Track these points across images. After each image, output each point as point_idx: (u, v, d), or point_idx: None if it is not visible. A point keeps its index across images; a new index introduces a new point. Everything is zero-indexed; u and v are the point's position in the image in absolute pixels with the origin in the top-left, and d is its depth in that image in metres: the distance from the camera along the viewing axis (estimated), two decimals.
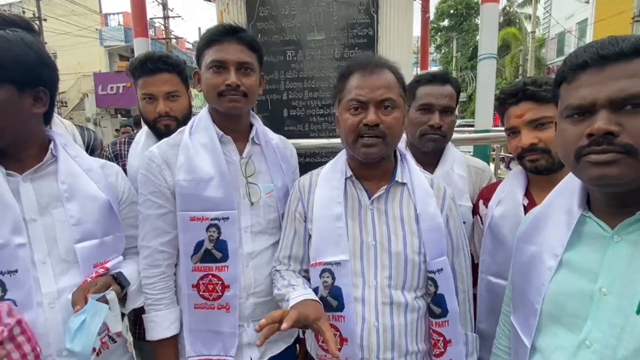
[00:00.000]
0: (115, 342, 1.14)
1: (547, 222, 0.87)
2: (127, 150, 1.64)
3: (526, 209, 1.21)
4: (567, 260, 0.80)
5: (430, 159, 1.49)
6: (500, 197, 1.29)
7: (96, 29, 19.85)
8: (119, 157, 1.65)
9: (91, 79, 17.19)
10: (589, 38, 19.93)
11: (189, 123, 1.26)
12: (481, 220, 1.38)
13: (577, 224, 0.79)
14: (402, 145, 1.54)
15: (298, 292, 1.04)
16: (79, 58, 18.99)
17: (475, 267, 1.37)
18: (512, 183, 1.29)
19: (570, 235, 0.80)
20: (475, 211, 1.43)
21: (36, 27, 1.03)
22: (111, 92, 16.58)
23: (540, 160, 1.18)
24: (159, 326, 1.20)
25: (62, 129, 1.46)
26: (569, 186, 0.85)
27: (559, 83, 0.77)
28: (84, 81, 17.67)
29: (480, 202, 1.40)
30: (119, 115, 17.90)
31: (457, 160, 1.48)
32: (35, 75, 0.99)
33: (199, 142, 1.20)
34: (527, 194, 1.26)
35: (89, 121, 17.42)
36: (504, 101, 1.24)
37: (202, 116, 1.25)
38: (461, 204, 1.40)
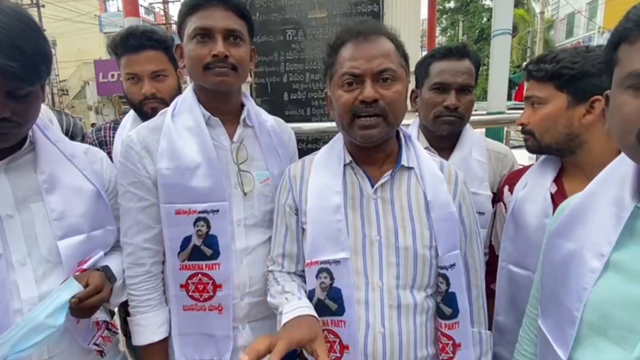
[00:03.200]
0: (117, 333, 1.07)
1: (589, 215, 0.73)
2: (113, 137, 1.52)
3: (554, 198, 1.08)
4: (615, 261, 0.67)
5: (445, 143, 1.35)
6: (527, 181, 1.17)
7: (95, 15, 19.61)
8: (103, 144, 1.53)
9: (92, 67, 17.02)
10: (599, 19, 19.43)
11: (172, 104, 1.13)
12: (505, 208, 1.25)
13: (629, 217, 0.65)
14: (414, 128, 1.42)
15: (291, 305, 0.92)
16: (78, 45, 18.82)
17: (496, 260, 1.25)
18: (542, 167, 1.17)
19: (621, 231, 0.66)
20: (498, 198, 1.30)
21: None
22: (112, 79, 16.41)
23: (527, 141, 1.16)
24: (146, 330, 1.09)
25: None
26: (618, 172, 0.71)
27: (616, 45, 0.62)
28: (85, 68, 17.52)
29: (506, 188, 1.27)
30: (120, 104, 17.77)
31: (476, 144, 1.34)
32: (50, 68, 0.91)
33: (183, 125, 1.07)
34: (558, 181, 1.12)
35: (90, 109, 17.34)
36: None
37: (186, 96, 1.12)
38: (479, 193, 1.28)
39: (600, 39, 18.97)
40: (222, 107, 1.12)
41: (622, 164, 0.71)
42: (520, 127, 1.17)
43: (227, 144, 1.12)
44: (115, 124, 1.55)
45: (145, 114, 1.41)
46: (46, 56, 0.87)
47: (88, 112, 16.93)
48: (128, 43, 1.39)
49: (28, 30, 0.82)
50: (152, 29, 1.44)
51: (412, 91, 1.40)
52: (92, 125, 10.54)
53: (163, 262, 1.14)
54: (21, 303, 0.90)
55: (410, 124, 1.45)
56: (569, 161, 1.11)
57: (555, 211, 0.86)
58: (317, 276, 0.97)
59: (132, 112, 1.51)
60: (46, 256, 0.94)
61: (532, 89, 1.12)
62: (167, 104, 1.37)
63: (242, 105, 1.18)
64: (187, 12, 1.05)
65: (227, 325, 1.10)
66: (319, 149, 1.11)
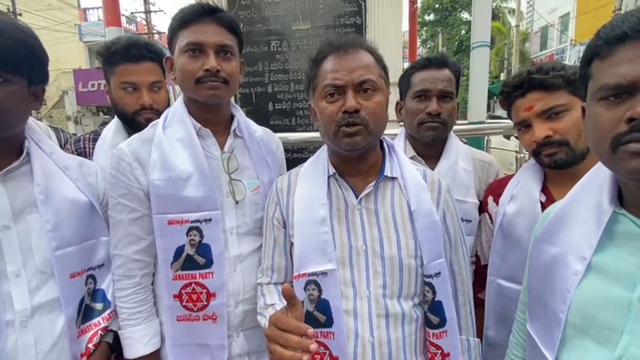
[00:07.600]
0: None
1: (571, 220, 0.76)
2: (93, 148, 1.46)
3: (544, 206, 1.10)
4: (596, 264, 0.70)
5: (431, 151, 1.38)
6: (514, 193, 1.18)
7: (75, 24, 19.30)
8: (83, 156, 1.46)
9: (71, 76, 16.62)
10: (571, 32, 20.23)
11: (162, 115, 1.13)
12: (490, 218, 1.27)
13: (608, 222, 0.69)
14: (400, 138, 1.44)
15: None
16: (57, 54, 18.38)
17: (483, 269, 1.27)
18: (527, 176, 1.18)
19: (601, 234, 0.69)
20: (482, 208, 1.32)
21: None
22: (92, 89, 16.02)
23: (558, 153, 1.07)
24: (137, 343, 1.08)
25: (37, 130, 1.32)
26: (597, 179, 0.75)
27: (589, 60, 0.67)
28: (64, 78, 17.10)
29: (490, 198, 1.29)
30: (100, 113, 17.39)
31: (462, 152, 1.38)
32: (43, 72, 0.94)
33: (174, 136, 1.07)
34: (544, 189, 1.15)
35: (69, 119, 16.91)
36: (509, 94, 1.13)
37: (176, 107, 1.13)
38: (467, 200, 1.31)
39: (572, 51, 19.75)
40: (212, 118, 1.13)
41: (599, 172, 0.75)
42: (533, 145, 1.09)
43: (217, 154, 1.13)
44: (95, 135, 1.50)
45: (138, 124, 1.37)
46: (32, 52, 0.89)
47: (67, 123, 16.50)
48: (129, 53, 1.37)
49: (11, 26, 0.85)
50: (150, 42, 1.44)
51: (397, 103, 1.44)
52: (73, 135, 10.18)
53: (153, 274, 1.13)
54: (14, 314, 0.90)
55: (397, 134, 1.48)
56: (570, 170, 1.08)
57: (540, 217, 0.89)
58: (305, 288, 0.97)
59: (113, 123, 1.46)
60: (41, 268, 0.94)
61: (546, 99, 1.06)
62: (160, 116, 1.37)
63: (232, 116, 1.19)
64: (178, 26, 1.06)
65: (221, 334, 1.09)
66: (304, 158, 1.13)
